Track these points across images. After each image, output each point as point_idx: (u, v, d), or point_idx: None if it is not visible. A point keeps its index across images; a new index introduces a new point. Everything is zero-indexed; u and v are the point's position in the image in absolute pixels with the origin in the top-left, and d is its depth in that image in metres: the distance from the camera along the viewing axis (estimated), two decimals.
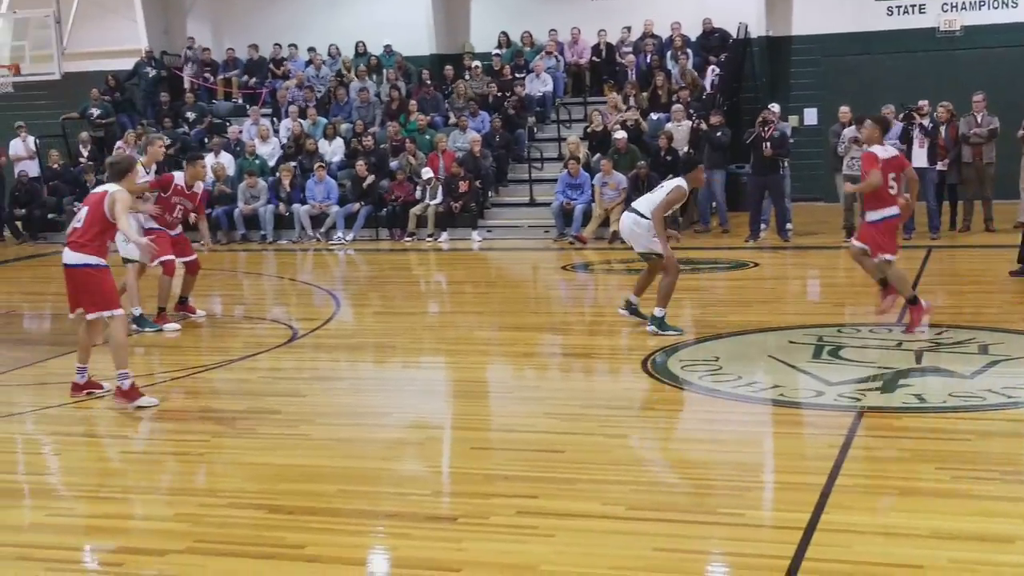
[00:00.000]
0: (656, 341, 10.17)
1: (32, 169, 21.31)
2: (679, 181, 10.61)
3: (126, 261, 11.54)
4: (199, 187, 12.26)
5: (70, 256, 8.54)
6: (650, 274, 10.88)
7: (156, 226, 11.81)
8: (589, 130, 19.51)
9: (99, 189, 8.70)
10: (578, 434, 7.64)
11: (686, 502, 6.10)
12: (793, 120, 20.32)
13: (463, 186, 18.86)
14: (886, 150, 10.39)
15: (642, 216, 10.55)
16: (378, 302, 13.78)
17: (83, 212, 8.62)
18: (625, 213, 10.93)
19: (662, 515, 5.85)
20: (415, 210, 19.06)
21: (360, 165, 19.54)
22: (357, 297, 14.23)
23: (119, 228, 8.59)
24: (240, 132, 21.18)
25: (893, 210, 10.16)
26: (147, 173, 12.04)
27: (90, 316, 8.60)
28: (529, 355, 10.49)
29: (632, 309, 10.95)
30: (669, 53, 21.01)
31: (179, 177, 12.14)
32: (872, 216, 10.20)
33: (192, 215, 12.17)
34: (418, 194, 19.24)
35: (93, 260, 8.49)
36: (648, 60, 20.97)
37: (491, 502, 6.17)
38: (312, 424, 8.08)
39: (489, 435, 7.86)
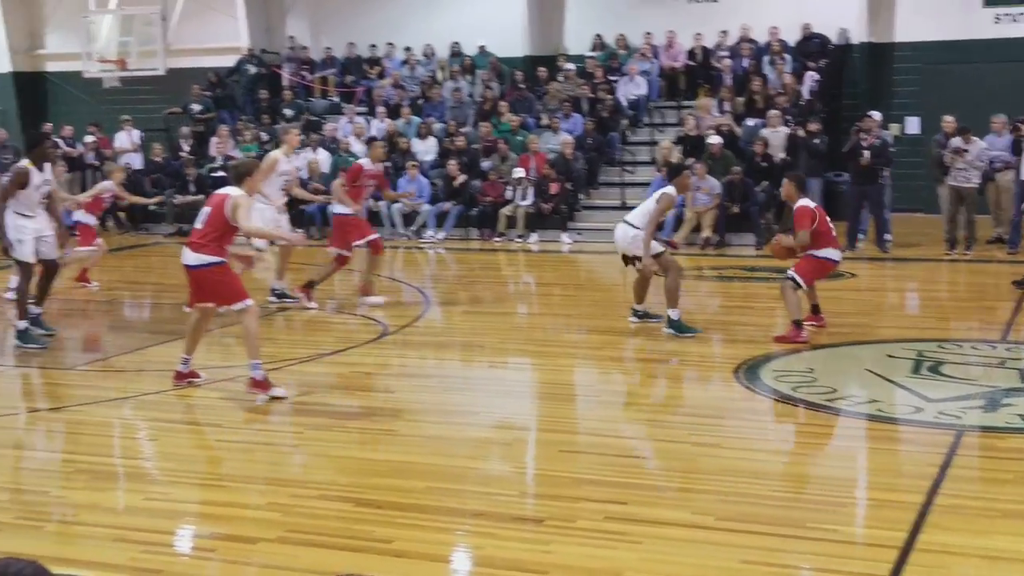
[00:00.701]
0: (748, 350, 10.06)
1: (136, 162, 21.77)
2: (668, 189, 11.03)
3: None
4: (379, 167, 13.23)
5: (190, 257, 8.60)
6: (644, 280, 11.22)
7: (344, 210, 12.73)
8: (683, 134, 19.37)
9: (221, 192, 8.71)
10: (667, 441, 7.58)
11: (777, 515, 6.00)
12: (894, 129, 19.94)
13: (554, 188, 18.85)
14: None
15: (633, 227, 10.90)
16: (467, 301, 13.84)
17: (205, 213, 8.64)
18: (619, 224, 11.22)
19: (752, 527, 5.77)
20: (505, 210, 19.10)
21: (452, 164, 19.65)
22: (446, 295, 14.30)
23: (243, 231, 8.70)
24: (336, 130, 21.41)
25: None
26: (288, 161, 12.72)
27: (222, 309, 8.74)
28: (617, 359, 10.45)
29: (641, 314, 11.29)
30: (766, 58, 20.78)
31: (365, 163, 13.05)
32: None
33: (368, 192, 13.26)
34: (509, 195, 19.27)
35: (212, 259, 8.54)
36: (745, 65, 20.76)
37: (578, 506, 6.15)
38: (400, 420, 8.14)
39: (576, 438, 7.84)
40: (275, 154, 12.69)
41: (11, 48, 23.36)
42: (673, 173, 11.62)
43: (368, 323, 12.01)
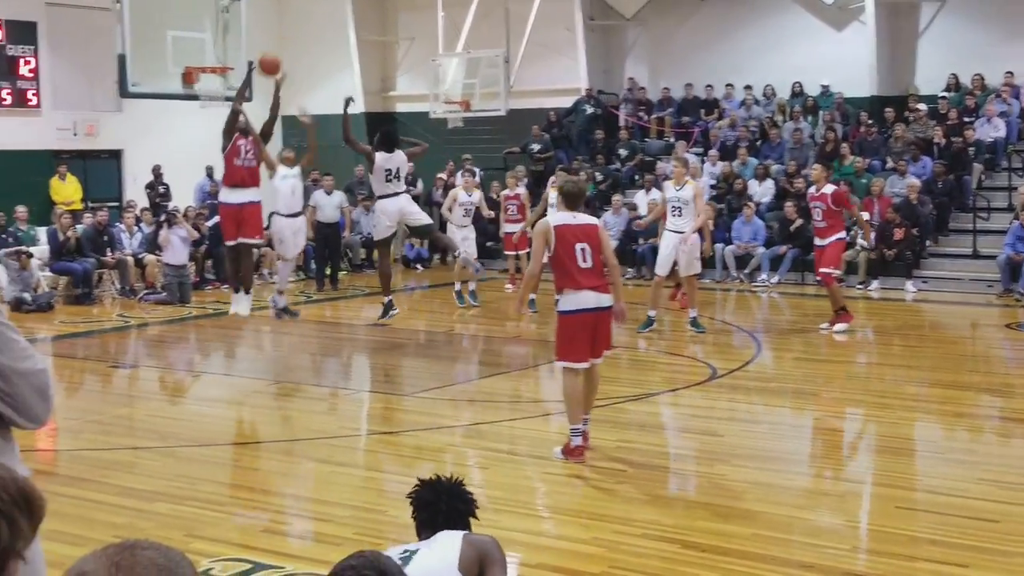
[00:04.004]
0: None
1: (476, 200, 22.53)
2: None
3: None
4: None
5: (605, 299, 7.90)
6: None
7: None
8: None
9: (579, 222, 7.94)
10: (1017, 505, 7.03)
11: None
12: None
13: (898, 233, 18.05)
14: None
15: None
16: (800, 347, 13.42)
17: (582, 249, 7.79)
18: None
19: None
20: (845, 255, 18.45)
21: (789, 207, 19.20)
22: (778, 341, 13.94)
23: (609, 261, 7.98)
24: (669, 171, 21.40)
25: None
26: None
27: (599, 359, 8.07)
28: (963, 415, 9.82)
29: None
30: None
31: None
32: None
33: None
34: (849, 239, 18.61)
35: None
36: None
37: (915, 565, 5.80)
38: (727, 464, 7.95)
39: (915, 495, 7.39)
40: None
41: (365, 90, 24.83)
42: None
43: (697, 365, 11.88)
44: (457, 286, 16.21)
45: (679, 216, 13.60)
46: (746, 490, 7.36)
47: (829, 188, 13.62)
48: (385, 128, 13.77)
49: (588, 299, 7.81)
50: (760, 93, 22.61)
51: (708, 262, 18.88)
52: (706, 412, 9.84)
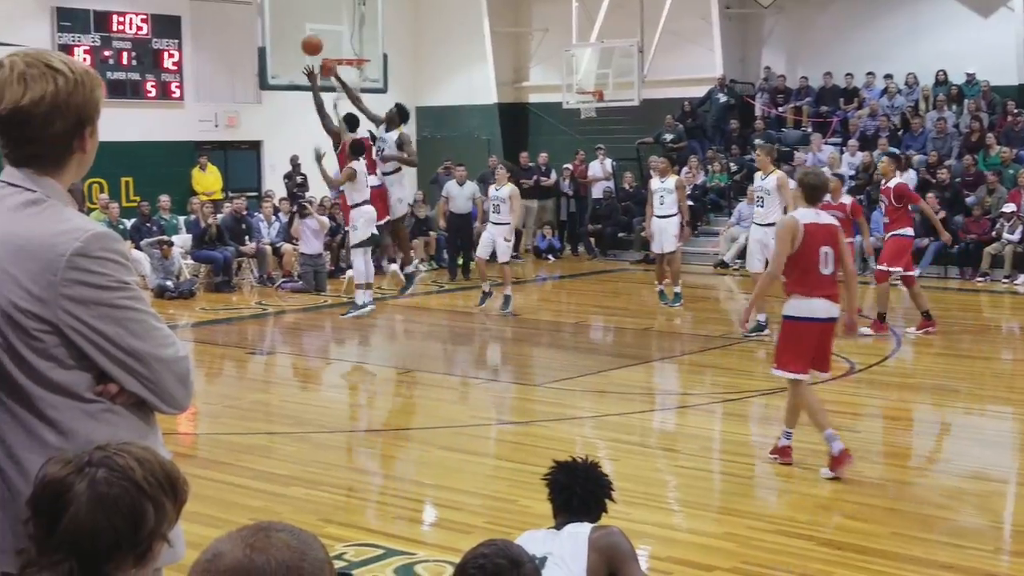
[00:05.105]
0: None
1: (504, 195, 22.33)
2: None
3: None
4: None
5: (835, 311, 7.35)
6: None
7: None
8: None
9: (824, 221, 7.40)
10: None
11: None
12: None
13: None
14: None
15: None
16: (942, 343, 13.01)
17: (826, 254, 7.25)
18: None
19: None
20: (990, 249, 17.87)
21: (931, 198, 18.65)
22: (919, 335, 13.54)
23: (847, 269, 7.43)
24: (806, 161, 21.01)
25: None
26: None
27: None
28: None
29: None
30: None
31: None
32: None
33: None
34: (995, 232, 18.02)
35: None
36: None
37: None
38: (865, 461, 7.74)
39: None
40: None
41: (498, 81, 24.92)
42: None
43: (835, 359, 11.60)
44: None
45: (762, 206, 13.05)
46: (885, 487, 7.18)
47: (894, 181, 12.90)
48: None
49: (819, 308, 7.23)
50: (902, 82, 22.01)
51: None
52: (843, 407, 9.60)
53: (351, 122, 14.41)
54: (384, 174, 14.66)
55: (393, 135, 14.84)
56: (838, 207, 12.57)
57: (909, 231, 13.00)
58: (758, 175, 13.53)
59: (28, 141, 2.63)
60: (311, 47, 13.69)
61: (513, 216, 14.74)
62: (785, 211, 12.15)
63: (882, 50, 22.08)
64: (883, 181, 13.34)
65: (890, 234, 12.96)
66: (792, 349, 7.31)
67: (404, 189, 15.39)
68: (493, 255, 14.76)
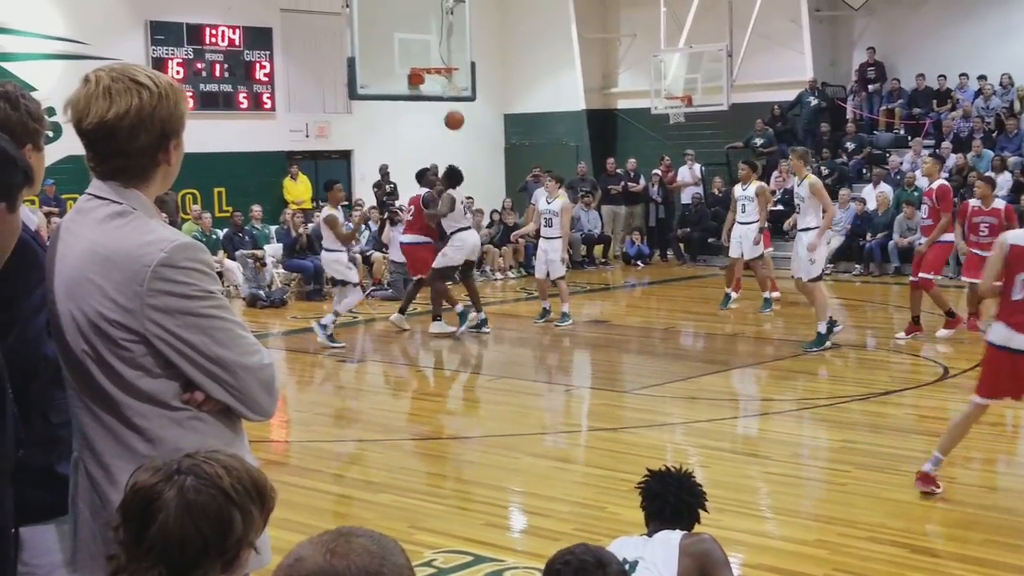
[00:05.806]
0: None
1: (557, 208, 22.14)
2: None
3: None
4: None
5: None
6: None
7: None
8: None
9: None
10: None
11: None
12: None
13: None
14: None
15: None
16: None
17: (1023, 281, 6.59)
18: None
19: None
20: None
21: None
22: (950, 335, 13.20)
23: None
24: (901, 164, 20.67)
25: None
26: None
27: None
28: None
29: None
30: None
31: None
32: None
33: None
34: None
35: None
36: None
37: None
38: (959, 468, 7.59)
39: None
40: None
41: (586, 88, 24.89)
42: None
43: (928, 364, 11.41)
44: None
45: (797, 213, 12.79)
46: (979, 495, 7.05)
47: (937, 183, 12.45)
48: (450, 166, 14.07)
49: (1019, 340, 6.56)
50: (996, 82, 21.54)
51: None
52: (935, 413, 9.43)
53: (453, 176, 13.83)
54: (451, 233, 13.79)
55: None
56: (991, 212, 12.25)
57: (950, 237, 12.55)
58: (794, 180, 13.14)
59: (114, 154, 2.69)
60: (455, 123, 14.06)
61: (562, 231, 14.17)
62: (823, 214, 12.09)
63: (975, 51, 21.63)
64: (928, 182, 13.04)
65: (935, 239, 12.36)
66: (989, 376, 6.85)
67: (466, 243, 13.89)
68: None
